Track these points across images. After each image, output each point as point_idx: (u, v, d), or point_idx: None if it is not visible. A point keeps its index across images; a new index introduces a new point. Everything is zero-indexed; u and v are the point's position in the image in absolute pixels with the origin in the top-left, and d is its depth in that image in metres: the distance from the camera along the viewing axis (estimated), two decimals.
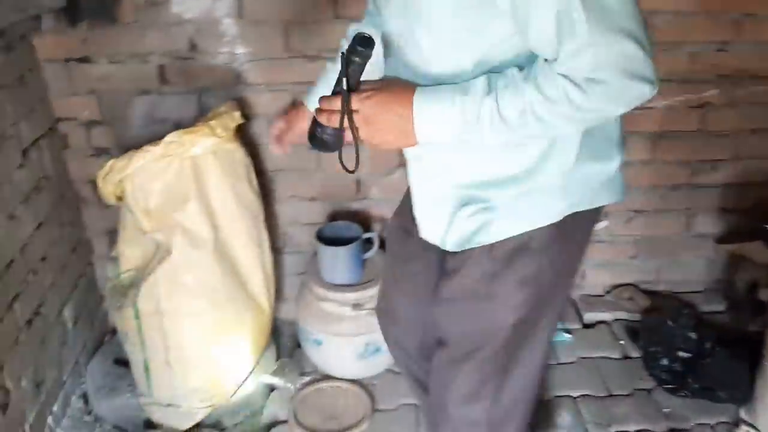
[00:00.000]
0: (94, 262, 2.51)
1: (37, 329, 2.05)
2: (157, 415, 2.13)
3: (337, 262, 2.28)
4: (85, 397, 2.30)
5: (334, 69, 1.47)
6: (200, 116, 2.18)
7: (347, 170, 1.21)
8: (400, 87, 1.15)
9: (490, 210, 1.25)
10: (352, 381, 2.31)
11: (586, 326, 2.54)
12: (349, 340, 2.25)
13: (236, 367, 2.16)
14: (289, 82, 2.24)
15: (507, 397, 1.40)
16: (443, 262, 1.40)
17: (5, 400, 1.84)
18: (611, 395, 2.25)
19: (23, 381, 1.95)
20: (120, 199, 1.99)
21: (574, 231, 1.31)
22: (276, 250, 2.49)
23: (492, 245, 1.28)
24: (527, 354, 1.38)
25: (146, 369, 2.08)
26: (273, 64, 2.22)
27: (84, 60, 2.19)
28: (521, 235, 1.25)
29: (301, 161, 2.37)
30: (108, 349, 2.44)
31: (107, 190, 1.96)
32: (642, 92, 1.05)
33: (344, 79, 1.13)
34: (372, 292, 2.21)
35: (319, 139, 1.21)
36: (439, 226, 1.33)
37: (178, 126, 2.24)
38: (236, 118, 2.06)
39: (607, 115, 1.10)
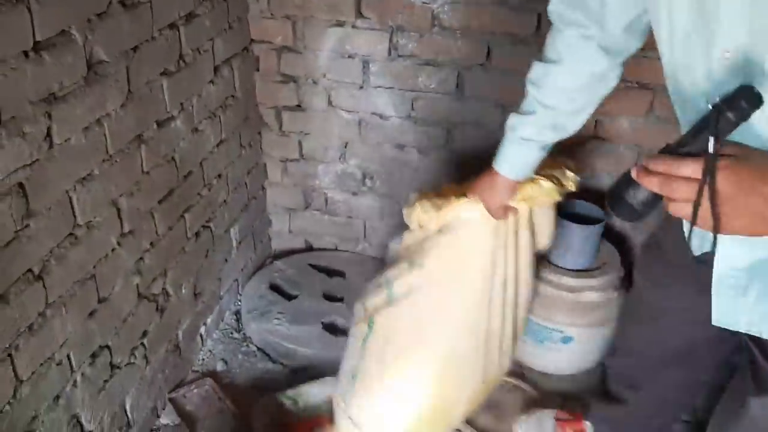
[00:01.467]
0: (266, 187, 2.56)
1: (204, 243, 2.12)
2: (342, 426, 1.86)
3: (587, 243, 2.06)
4: (237, 315, 2.37)
5: (540, 109, 1.36)
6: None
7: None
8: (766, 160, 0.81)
9: None
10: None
11: None
12: (603, 330, 2.07)
13: (447, 417, 1.82)
14: (485, 30, 2.10)
15: None
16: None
17: (165, 304, 1.92)
18: None
19: (184, 289, 2.03)
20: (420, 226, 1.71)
21: None
22: None
23: None
24: None
25: (353, 377, 1.79)
26: (471, 9, 2.08)
27: None
28: None
29: None
30: (266, 273, 2.49)
31: (419, 217, 1.68)
32: None
33: (711, 138, 0.81)
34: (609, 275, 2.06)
35: (627, 205, 0.90)
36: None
37: (365, 63, 2.21)
38: (572, 180, 1.66)
39: None
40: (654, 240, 1.48)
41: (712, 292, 1.08)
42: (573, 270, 2.07)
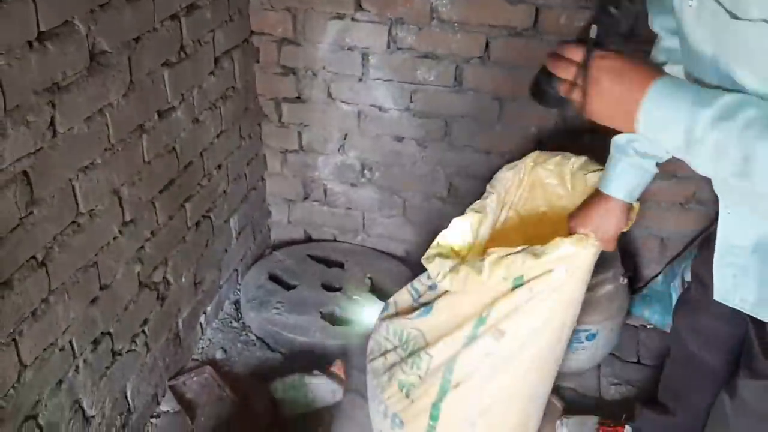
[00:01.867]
0: (266, 178, 2.58)
1: (204, 232, 2.14)
2: None
3: None
4: (236, 305, 2.40)
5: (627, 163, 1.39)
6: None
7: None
8: (646, 66, 0.94)
9: None
10: None
11: None
12: (619, 319, 2.06)
13: None
14: (483, 23, 2.11)
15: None
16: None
17: (165, 293, 1.95)
18: None
19: (184, 278, 2.05)
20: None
21: None
22: (432, 199, 2.44)
23: None
24: None
25: None
26: (470, 2, 2.09)
27: None
28: None
29: None
30: (265, 263, 2.52)
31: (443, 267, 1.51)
32: None
33: (593, 27, 0.96)
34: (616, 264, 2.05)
35: (542, 91, 1.06)
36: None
37: (364, 56, 2.23)
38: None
39: None
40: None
41: (713, 267, 1.15)
42: None
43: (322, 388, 1.98)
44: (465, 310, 1.50)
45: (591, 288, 1.97)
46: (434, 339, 1.55)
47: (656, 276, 2.38)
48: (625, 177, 1.43)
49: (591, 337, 2.04)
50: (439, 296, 1.56)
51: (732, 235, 1.14)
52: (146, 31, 1.67)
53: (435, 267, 1.51)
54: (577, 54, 0.97)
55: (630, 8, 0.95)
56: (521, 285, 1.44)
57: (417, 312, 1.60)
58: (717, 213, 1.22)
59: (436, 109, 2.30)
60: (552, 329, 1.51)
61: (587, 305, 1.99)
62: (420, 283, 1.67)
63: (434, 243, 1.59)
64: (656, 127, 0.92)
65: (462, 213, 1.70)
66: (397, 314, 1.68)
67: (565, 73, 0.98)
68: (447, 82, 2.24)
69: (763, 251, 1.08)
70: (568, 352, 2.06)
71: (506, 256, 1.42)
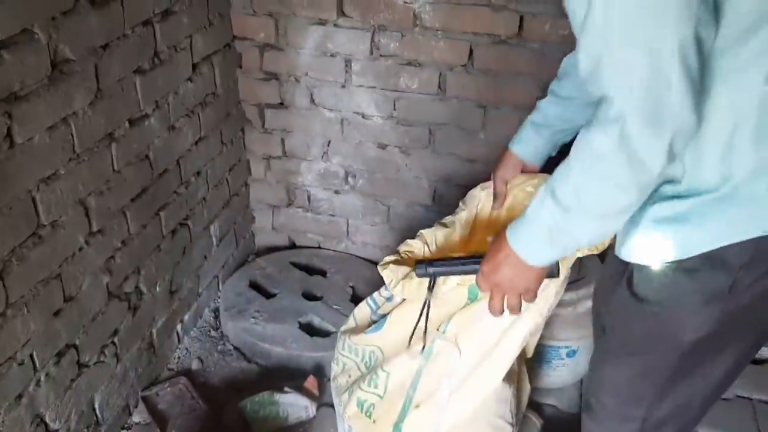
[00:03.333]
0: (249, 184, 2.54)
1: (181, 240, 2.11)
2: None
3: None
4: (216, 313, 2.37)
5: (550, 109, 1.48)
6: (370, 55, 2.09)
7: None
8: (495, 248, 1.21)
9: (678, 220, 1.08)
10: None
11: (756, 362, 2.20)
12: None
13: None
14: (467, 31, 2.07)
15: (664, 409, 1.25)
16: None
17: (137, 303, 1.92)
18: None
19: (158, 287, 2.02)
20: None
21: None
22: (418, 206, 2.40)
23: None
24: (698, 380, 1.21)
25: None
26: (453, 9, 2.05)
27: None
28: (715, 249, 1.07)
29: None
30: (247, 270, 2.48)
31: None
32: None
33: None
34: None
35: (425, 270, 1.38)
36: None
37: (347, 62, 2.19)
38: None
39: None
40: None
41: None
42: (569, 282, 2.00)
43: (293, 404, 1.94)
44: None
45: (571, 304, 1.95)
46: (391, 354, 1.51)
47: None
48: (524, 137, 1.54)
49: (571, 353, 2.00)
50: (394, 308, 1.52)
51: None
52: (115, 37, 1.64)
53: (388, 274, 1.46)
54: None
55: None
56: (477, 298, 1.40)
57: (373, 326, 1.56)
58: None
59: (420, 117, 2.26)
60: (513, 342, 1.45)
61: (567, 322, 1.96)
62: (379, 294, 1.63)
63: (395, 251, 1.55)
64: (535, 249, 1.14)
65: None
66: (356, 328, 1.64)
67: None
68: (430, 89, 2.20)
69: None
70: (548, 368, 2.03)
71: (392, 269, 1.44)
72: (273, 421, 1.93)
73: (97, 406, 1.79)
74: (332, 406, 1.99)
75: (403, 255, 1.53)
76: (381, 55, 2.18)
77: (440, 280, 1.41)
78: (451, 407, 1.47)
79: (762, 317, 1.16)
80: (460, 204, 1.66)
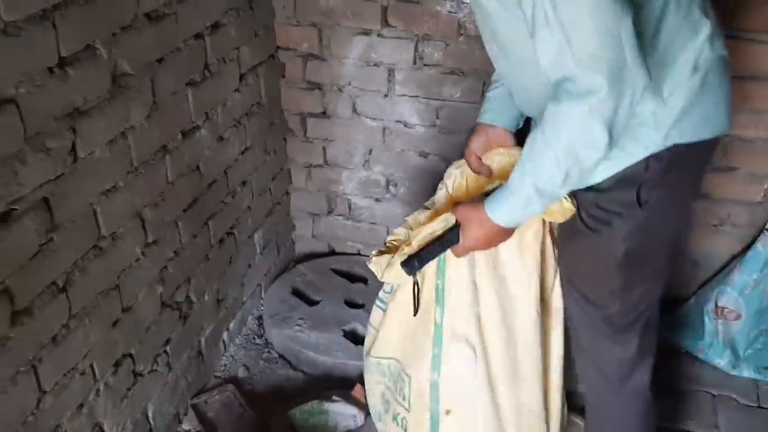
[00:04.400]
0: (290, 192, 2.56)
1: (227, 249, 2.13)
2: None
3: None
4: (260, 320, 2.39)
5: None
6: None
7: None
8: (474, 220, 1.39)
9: None
10: None
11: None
12: None
13: None
14: None
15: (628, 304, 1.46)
16: None
17: (188, 311, 1.94)
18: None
19: (207, 296, 2.04)
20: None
21: (679, 163, 1.32)
22: None
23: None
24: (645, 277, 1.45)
25: None
26: None
27: None
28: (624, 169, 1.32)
29: None
30: (288, 277, 2.50)
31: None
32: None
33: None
34: None
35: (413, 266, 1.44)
36: None
37: (390, 71, 2.20)
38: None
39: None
40: None
41: None
42: None
43: (342, 413, 1.95)
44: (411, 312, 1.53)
45: None
46: (405, 357, 1.57)
47: (688, 299, 2.31)
48: (488, 106, 1.64)
49: None
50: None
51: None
52: (169, 51, 1.66)
53: (374, 266, 1.50)
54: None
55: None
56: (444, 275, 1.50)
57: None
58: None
59: (463, 125, 2.26)
60: (500, 316, 1.50)
61: None
62: (383, 292, 1.65)
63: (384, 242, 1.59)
64: (513, 214, 1.33)
65: None
66: (375, 335, 1.66)
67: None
68: (474, 98, 2.20)
69: None
70: None
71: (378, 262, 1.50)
72: (322, 429, 1.94)
73: (150, 414, 1.82)
74: None
75: (388, 245, 1.56)
76: (424, 65, 2.19)
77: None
78: (481, 407, 1.51)
79: (671, 220, 1.42)
80: (439, 185, 1.69)
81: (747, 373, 2.20)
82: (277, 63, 2.29)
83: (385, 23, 2.16)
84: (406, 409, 1.60)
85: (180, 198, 1.81)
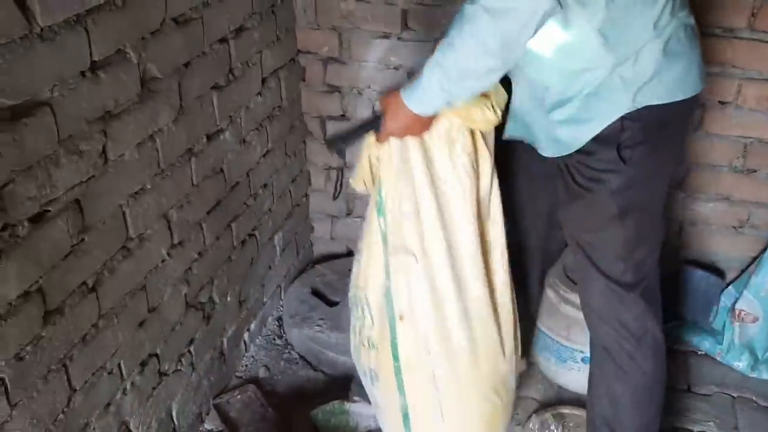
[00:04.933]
0: (309, 194, 2.58)
1: (249, 251, 2.15)
2: None
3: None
4: (279, 321, 2.41)
5: None
6: None
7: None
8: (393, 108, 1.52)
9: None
10: None
11: None
12: None
13: (506, 408, 1.86)
14: None
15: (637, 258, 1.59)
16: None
17: (211, 312, 1.96)
18: None
19: (229, 297, 2.06)
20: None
21: (655, 123, 1.45)
22: None
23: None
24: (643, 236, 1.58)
25: (405, 417, 1.75)
26: None
27: None
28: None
29: None
30: (308, 278, 2.52)
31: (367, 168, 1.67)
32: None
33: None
34: None
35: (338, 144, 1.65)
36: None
37: (410, 74, 2.21)
38: (504, 98, 1.60)
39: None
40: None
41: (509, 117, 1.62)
42: None
43: (363, 414, 1.97)
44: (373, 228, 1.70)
45: None
46: (368, 279, 1.72)
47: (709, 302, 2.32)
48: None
49: (587, 360, 1.96)
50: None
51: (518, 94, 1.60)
52: (196, 55, 1.69)
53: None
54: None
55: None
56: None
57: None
58: None
59: None
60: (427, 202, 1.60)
61: (583, 326, 1.93)
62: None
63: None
64: (423, 103, 1.46)
65: None
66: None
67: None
68: None
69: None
70: (562, 367, 2.09)
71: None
72: (343, 429, 1.96)
73: (174, 413, 1.84)
74: None
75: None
76: None
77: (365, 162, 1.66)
78: (432, 312, 1.64)
79: (657, 175, 1.56)
80: None
81: (766, 375, 2.20)
82: (297, 66, 2.31)
83: (405, 26, 2.17)
84: (371, 325, 1.74)
85: (204, 200, 1.83)
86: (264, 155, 2.15)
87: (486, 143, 1.64)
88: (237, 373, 2.20)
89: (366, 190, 1.73)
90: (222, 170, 1.90)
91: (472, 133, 1.59)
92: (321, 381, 2.17)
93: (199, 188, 1.78)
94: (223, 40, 1.81)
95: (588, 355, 1.95)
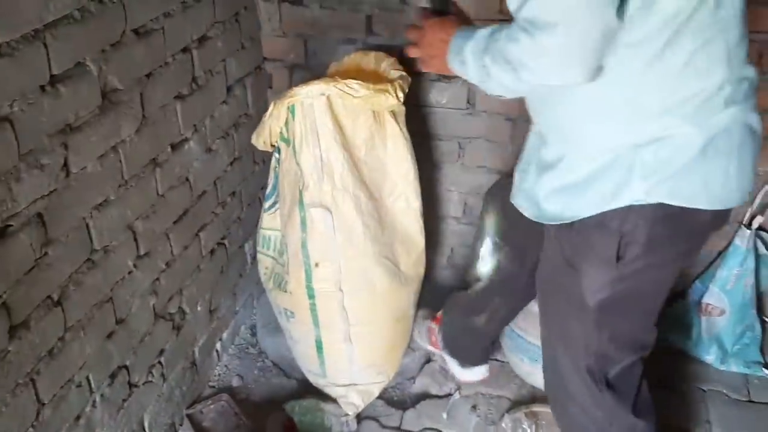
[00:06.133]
0: None
1: (219, 259, 2.15)
2: (335, 395, 2.06)
3: None
4: (252, 330, 2.40)
5: None
6: None
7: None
8: (456, 23, 1.40)
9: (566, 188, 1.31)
10: None
11: None
12: None
13: (405, 335, 2.15)
14: None
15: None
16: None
17: (181, 322, 1.96)
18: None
19: (199, 306, 2.06)
20: (273, 146, 1.94)
21: (666, 222, 1.23)
22: (450, 219, 2.44)
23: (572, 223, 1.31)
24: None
25: (319, 348, 2.01)
26: (481, 24, 2.08)
27: (297, 2, 2.20)
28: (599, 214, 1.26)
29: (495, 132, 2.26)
30: None
31: (272, 128, 1.86)
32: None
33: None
34: None
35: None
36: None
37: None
38: (408, 83, 1.91)
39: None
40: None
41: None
42: None
43: (337, 415, 1.98)
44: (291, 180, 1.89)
45: None
46: (284, 226, 1.92)
47: (680, 297, 2.35)
48: None
49: None
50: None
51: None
52: (158, 66, 1.68)
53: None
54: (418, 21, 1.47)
55: None
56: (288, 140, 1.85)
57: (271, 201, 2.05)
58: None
59: (449, 131, 2.30)
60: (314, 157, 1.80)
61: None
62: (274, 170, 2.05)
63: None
64: (453, 62, 1.34)
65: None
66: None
67: (412, 35, 1.48)
68: (460, 104, 2.24)
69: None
70: (533, 365, 2.09)
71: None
72: (318, 427, 1.97)
73: (146, 425, 1.83)
74: (374, 419, 2.03)
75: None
76: None
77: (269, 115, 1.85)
78: (344, 258, 1.86)
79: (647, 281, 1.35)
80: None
81: (735, 368, 2.23)
82: (264, 74, 2.32)
83: (370, 32, 2.19)
84: (287, 273, 1.94)
85: (171, 210, 1.83)
86: (231, 163, 2.15)
87: (397, 122, 1.90)
88: (210, 383, 2.19)
89: (264, 147, 1.93)
90: (188, 179, 1.89)
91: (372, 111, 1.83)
92: (295, 389, 2.17)
93: (164, 198, 1.78)
94: (186, 50, 1.81)
95: None
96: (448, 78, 2.20)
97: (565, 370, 1.51)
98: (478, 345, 2.09)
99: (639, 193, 1.20)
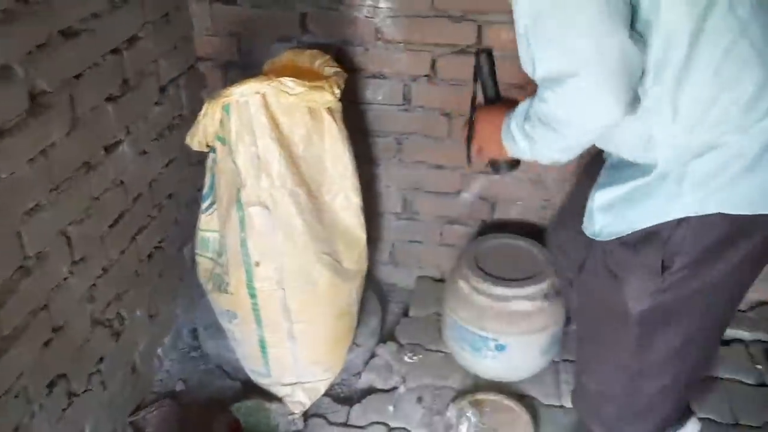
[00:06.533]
0: None
1: (157, 263, 2.12)
2: (281, 394, 2.07)
3: None
4: (194, 333, 2.37)
5: None
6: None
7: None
8: (505, 108, 1.43)
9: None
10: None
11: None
12: (538, 337, 2.09)
13: (349, 331, 2.15)
14: (428, 42, 2.14)
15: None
16: None
17: (120, 329, 1.92)
18: (737, 424, 2.04)
19: (138, 311, 2.02)
20: (209, 146, 1.90)
21: (717, 231, 1.21)
22: (389, 214, 2.46)
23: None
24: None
25: (263, 348, 2.00)
26: (414, 23, 2.12)
27: (229, 1, 2.18)
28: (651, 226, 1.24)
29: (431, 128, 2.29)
30: None
31: (207, 128, 1.82)
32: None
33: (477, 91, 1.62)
34: (539, 285, 2.09)
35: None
36: None
37: None
38: (344, 80, 1.92)
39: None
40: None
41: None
42: (504, 279, 2.10)
43: (283, 414, 1.98)
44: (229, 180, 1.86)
45: (504, 299, 2.07)
46: (222, 227, 1.91)
47: None
48: None
49: (500, 347, 2.07)
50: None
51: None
52: (87, 67, 1.65)
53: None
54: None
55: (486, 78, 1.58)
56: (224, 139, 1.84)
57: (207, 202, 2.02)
58: None
59: (387, 128, 2.32)
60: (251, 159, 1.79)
61: (498, 316, 2.07)
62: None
63: None
64: (507, 144, 1.38)
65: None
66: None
67: (469, 132, 1.57)
68: (396, 100, 2.26)
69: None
70: (478, 356, 2.14)
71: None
72: (264, 426, 1.96)
73: None
74: (321, 416, 2.03)
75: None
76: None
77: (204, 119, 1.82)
78: (285, 256, 1.86)
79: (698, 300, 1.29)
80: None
81: None
82: (197, 74, 2.29)
83: (305, 30, 2.19)
84: (227, 273, 1.93)
85: (106, 214, 1.79)
86: (167, 165, 2.12)
87: (334, 119, 1.89)
88: (153, 389, 2.15)
89: (199, 148, 1.89)
90: (123, 182, 1.86)
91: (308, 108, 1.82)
92: (239, 390, 2.16)
93: (99, 202, 1.75)
94: (116, 51, 1.77)
95: (502, 342, 2.04)
96: (383, 75, 2.22)
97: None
98: None
99: (692, 204, 1.19)
